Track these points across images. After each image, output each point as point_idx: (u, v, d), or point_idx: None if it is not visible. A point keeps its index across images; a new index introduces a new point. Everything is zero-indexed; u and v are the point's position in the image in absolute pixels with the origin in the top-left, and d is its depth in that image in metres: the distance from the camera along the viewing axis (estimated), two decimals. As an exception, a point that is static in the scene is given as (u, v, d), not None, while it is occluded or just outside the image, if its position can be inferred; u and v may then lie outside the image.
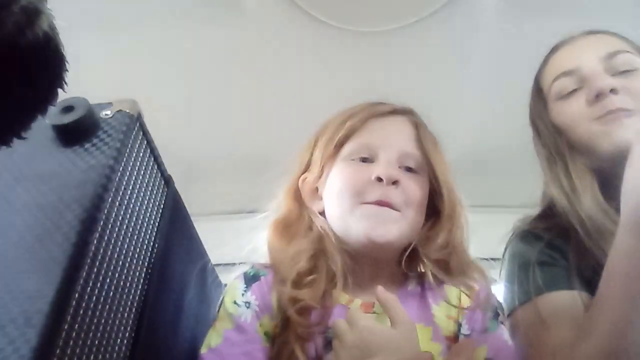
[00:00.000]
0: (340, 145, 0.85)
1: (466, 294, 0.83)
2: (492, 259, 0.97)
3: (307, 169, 0.89)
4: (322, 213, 0.86)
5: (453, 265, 0.82)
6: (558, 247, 0.86)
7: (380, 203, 0.79)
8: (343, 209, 0.82)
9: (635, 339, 0.66)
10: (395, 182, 0.80)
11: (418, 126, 0.87)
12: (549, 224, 0.90)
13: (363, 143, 0.84)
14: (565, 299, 0.80)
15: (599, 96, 0.84)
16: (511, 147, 1.03)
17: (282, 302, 0.77)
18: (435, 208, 0.85)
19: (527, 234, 0.92)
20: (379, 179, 0.80)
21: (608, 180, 0.86)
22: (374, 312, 0.79)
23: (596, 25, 0.95)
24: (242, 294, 0.80)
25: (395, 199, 0.80)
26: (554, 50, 0.95)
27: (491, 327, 0.80)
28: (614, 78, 0.86)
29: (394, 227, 0.79)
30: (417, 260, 0.84)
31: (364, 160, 0.84)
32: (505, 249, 0.94)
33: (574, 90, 0.88)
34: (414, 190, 0.82)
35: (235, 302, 0.80)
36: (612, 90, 0.83)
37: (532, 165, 1.01)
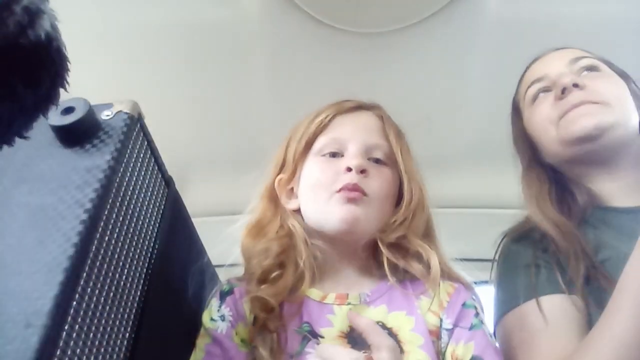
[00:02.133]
0: (310, 142, 0.90)
1: (446, 291, 0.84)
2: (488, 259, 0.98)
3: (282, 169, 0.93)
4: (298, 211, 0.89)
5: (410, 250, 0.84)
6: (547, 248, 0.87)
7: (348, 187, 0.82)
8: (318, 201, 0.85)
9: None
10: (363, 171, 0.84)
11: (383, 119, 0.92)
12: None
13: (332, 138, 0.88)
14: (556, 303, 0.81)
15: (564, 91, 0.89)
16: (511, 148, 1.04)
17: (250, 301, 0.80)
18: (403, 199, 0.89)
19: (520, 236, 0.93)
20: (349, 169, 0.84)
21: (569, 182, 0.93)
22: (349, 304, 0.82)
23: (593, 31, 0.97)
24: (218, 310, 0.84)
25: (364, 186, 0.83)
26: (526, 69, 1.02)
27: (476, 325, 0.80)
28: (579, 77, 0.91)
29: (365, 210, 0.83)
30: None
31: (334, 155, 0.87)
32: (497, 251, 0.95)
33: (545, 91, 0.94)
34: (381, 179, 0.86)
35: (212, 319, 0.84)
36: (576, 85, 0.89)
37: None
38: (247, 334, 0.80)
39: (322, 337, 0.78)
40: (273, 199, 0.91)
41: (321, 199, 0.84)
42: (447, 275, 0.85)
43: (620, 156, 0.89)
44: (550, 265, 0.85)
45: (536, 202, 0.91)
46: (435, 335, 0.79)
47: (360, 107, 0.93)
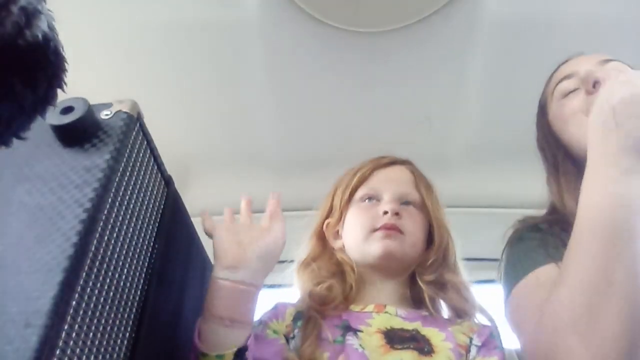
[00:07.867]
0: (353, 192, 1.05)
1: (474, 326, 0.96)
2: (489, 259, 0.98)
3: (329, 214, 1.08)
4: (341, 249, 1.04)
5: (447, 286, 0.98)
6: (559, 236, 0.89)
7: (386, 226, 0.97)
8: (359, 239, 0.99)
9: (615, 277, 0.67)
10: (397, 214, 0.98)
11: (414, 173, 1.07)
12: (554, 217, 0.94)
13: (370, 187, 1.04)
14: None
15: (595, 85, 0.91)
16: (511, 147, 1.04)
17: (305, 299, 0.95)
18: (432, 241, 1.02)
19: (531, 226, 0.95)
20: (385, 212, 0.98)
21: None
22: (386, 312, 0.94)
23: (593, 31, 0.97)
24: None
25: (399, 225, 0.98)
26: (555, 71, 1.03)
27: (498, 348, 0.93)
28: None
29: (400, 243, 0.97)
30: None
31: (370, 199, 1.02)
32: (506, 240, 0.96)
33: (575, 90, 0.96)
34: (412, 218, 1.00)
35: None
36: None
37: (531, 166, 1.01)
38: (284, 328, 0.93)
39: (360, 331, 0.90)
40: (321, 238, 1.07)
41: (362, 237, 0.99)
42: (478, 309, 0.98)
43: None
44: (561, 246, 0.85)
45: (574, 197, 0.92)
46: (464, 349, 0.91)
47: (394, 162, 1.08)
